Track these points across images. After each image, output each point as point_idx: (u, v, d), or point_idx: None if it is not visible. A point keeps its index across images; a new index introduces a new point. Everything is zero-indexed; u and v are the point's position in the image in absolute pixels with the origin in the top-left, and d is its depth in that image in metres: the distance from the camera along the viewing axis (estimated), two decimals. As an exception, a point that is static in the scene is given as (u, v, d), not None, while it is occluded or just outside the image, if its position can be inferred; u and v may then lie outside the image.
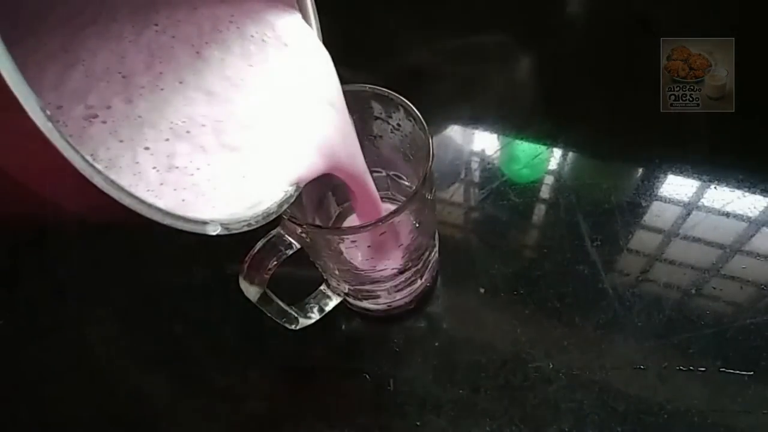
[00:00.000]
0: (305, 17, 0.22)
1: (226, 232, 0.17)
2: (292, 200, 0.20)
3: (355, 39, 0.47)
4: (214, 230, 0.16)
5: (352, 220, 0.34)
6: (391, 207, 0.32)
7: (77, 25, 0.18)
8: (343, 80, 0.24)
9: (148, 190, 0.16)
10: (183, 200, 0.17)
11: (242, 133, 0.19)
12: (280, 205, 0.19)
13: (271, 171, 0.19)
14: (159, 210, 0.14)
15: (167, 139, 0.18)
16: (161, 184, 0.17)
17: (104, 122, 0.17)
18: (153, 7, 0.19)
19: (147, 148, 0.17)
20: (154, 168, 0.17)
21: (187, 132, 0.18)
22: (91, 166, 0.11)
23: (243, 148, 0.19)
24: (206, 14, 0.20)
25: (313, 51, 0.21)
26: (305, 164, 0.20)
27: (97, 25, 0.18)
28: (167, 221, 0.14)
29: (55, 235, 0.42)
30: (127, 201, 0.13)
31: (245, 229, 0.18)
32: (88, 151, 0.16)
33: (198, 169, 0.18)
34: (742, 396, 0.31)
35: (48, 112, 0.10)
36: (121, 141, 0.17)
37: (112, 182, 0.12)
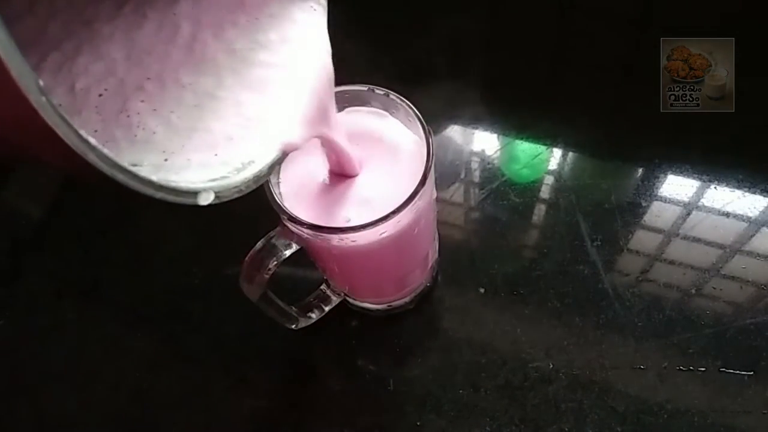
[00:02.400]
0: None
1: (217, 201, 0.16)
2: (281, 162, 0.20)
3: (356, 38, 0.47)
4: (206, 200, 0.16)
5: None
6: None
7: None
8: (344, 80, 0.24)
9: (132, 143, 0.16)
10: (165, 160, 0.17)
11: (249, 94, 0.19)
12: (270, 167, 0.19)
13: (266, 133, 0.19)
14: (152, 183, 0.13)
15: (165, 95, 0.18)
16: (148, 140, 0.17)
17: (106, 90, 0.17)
18: None
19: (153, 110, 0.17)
20: (148, 129, 0.17)
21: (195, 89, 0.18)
22: (86, 142, 0.11)
23: (248, 108, 0.19)
24: None
25: (319, 34, 0.22)
26: (297, 129, 0.20)
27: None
28: (159, 195, 0.14)
29: (55, 235, 0.42)
30: (120, 177, 0.12)
31: (236, 195, 0.17)
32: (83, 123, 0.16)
33: (197, 124, 0.18)
34: (742, 396, 0.31)
35: (41, 84, 0.10)
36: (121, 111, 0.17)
37: (106, 157, 0.12)
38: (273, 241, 0.26)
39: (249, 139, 0.19)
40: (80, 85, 0.17)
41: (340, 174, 0.27)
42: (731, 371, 0.32)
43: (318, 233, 0.24)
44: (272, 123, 0.19)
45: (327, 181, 0.27)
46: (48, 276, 0.40)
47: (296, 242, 0.26)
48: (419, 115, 0.26)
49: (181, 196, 0.15)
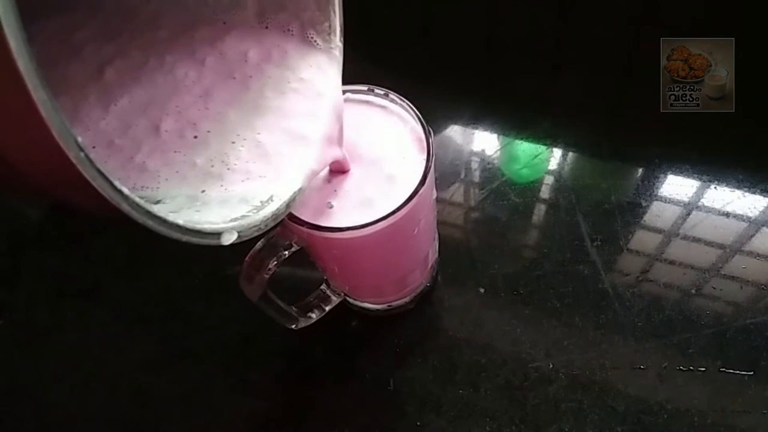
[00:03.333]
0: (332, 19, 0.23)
1: (239, 240, 0.17)
2: (298, 199, 0.20)
3: (356, 39, 0.47)
4: (228, 240, 0.16)
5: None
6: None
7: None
8: (344, 80, 0.24)
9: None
10: (203, 192, 0.17)
11: (278, 137, 0.21)
12: (288, 205, 0.19)
13: (287, 171, 0.20)
14: (179, 227, 0.14)
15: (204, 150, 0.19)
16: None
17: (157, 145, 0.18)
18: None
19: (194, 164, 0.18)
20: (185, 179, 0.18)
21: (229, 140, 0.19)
22: (120, 192, 0.12)
23: (272, 151, 0.20)
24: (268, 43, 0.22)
25: (334, 79, 0.23)
26: (314, 165, 0.21)
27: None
28: (185, 238, 0.14)
29: (55, 235, 0.42)
30: (150, 223, 0.13)
31: (255, 233, 0.18)
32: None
33: (228, 169, 0.19)
34: (742, 396, 0.31)
35: (80, 140, 0.10)
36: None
37: (138, 206, 0.12)
38: (273, 241, 0.26)
39: (273, 175, 0.20)
40: (167, 127, 0.18)
41: (333, 171, 0.27)
42: (731, 371, 0.32)
43: (318, 233, 0.24)
44: (296, 159, 0.20)
45: (326, 176, 0.27)
46: (48, 276, 0.40)
47: (296, 242, 0.26)
48: (419, 114, 0.26)
49: (205, 238, 0.15)
